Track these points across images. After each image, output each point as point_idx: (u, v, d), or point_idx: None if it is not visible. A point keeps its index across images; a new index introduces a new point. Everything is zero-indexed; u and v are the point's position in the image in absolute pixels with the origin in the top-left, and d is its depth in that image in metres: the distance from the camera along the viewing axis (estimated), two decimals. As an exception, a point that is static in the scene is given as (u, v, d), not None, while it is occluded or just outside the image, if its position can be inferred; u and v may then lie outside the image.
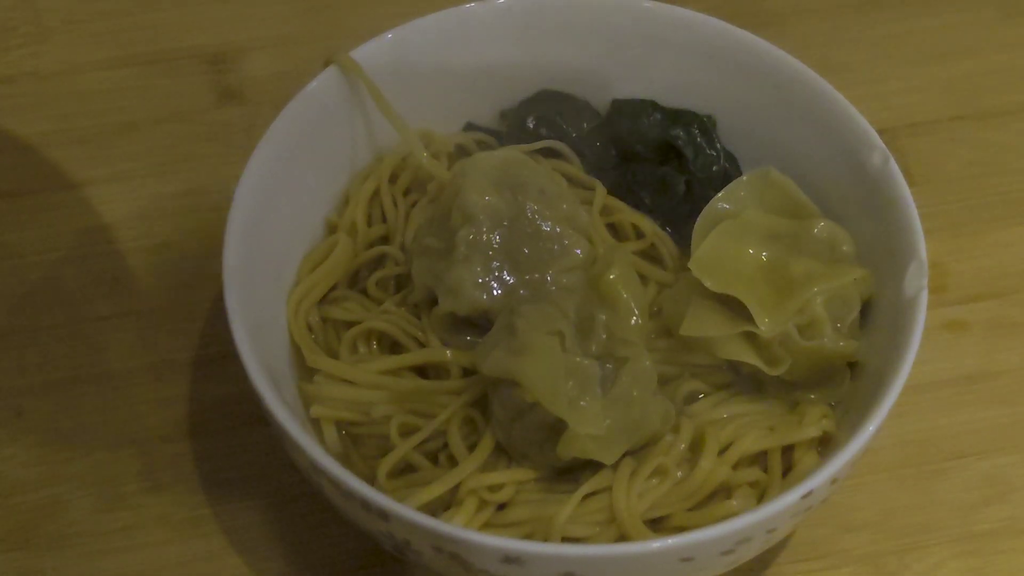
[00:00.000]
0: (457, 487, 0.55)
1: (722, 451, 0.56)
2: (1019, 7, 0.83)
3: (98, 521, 0.62)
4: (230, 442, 0.64)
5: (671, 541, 0.49)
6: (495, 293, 0.58)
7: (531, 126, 0.67)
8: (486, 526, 0.55)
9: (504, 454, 0.57)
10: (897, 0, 0.83)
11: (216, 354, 0.67)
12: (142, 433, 0.64)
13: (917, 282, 0.57)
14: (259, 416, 0.55)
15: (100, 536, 0.61)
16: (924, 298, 0.56)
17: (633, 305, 0.58)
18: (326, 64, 0.63)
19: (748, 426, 0.57)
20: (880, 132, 0.62)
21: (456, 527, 0.50)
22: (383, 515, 0.50)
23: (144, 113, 0.77)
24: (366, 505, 0.50)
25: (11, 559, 0.61)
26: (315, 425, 0.58)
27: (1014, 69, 0.80)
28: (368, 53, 0.64)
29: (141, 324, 0.68)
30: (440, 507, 0.55)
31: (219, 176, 0.72)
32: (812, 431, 0.57)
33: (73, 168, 0.74)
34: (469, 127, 0.68)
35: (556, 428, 0.54)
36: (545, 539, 0.54)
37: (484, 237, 0.58)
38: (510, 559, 0.49)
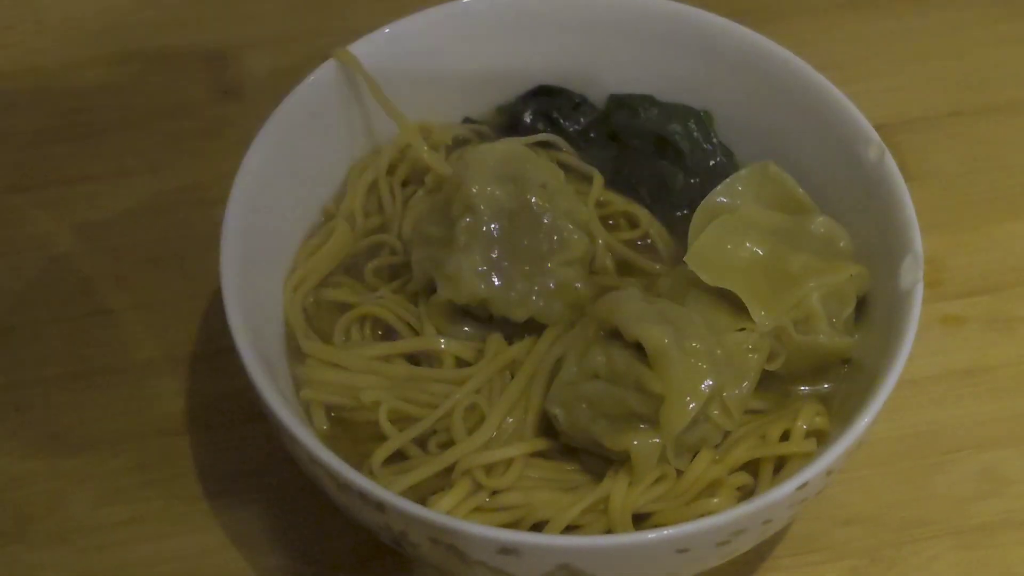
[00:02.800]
0: (453, 470, 0.55)
1: (715, 460, 0.56)
2: (1016, 3, 0.83)
3: (97, 516, 0.62)
4: (229, 437, 0.64)
5: (667, 532, 0.50)
6: (494, 283, 0.58)
7: (528, 121, 0.68)
8: (477, 510, 0.55)
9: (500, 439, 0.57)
10: (894, -3, 0.83)
11: (215, 349, 0.67)
12: (141, 428, 0.65)
13: (913, 276, 0.57)
14: (258, 411, 0.55)
15: (99, 531, 0.61)
16: (920, 292, 0.56)
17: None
18: (324, 58, 0.64)
19: (742, 436, 0.57)
20: (877, 127, 0.62)
21: (452, 518, 0.50)
22: (379, 506, 0.50)
23: (143, 110, 0.77)
24: (363, 496, 0.51)
25: (10, 553, 0.61)
26: (305, 408, 0.58)
27: (1010, 65, 0.80)
28: (365, 48, 0.64)
29: (140, 320, 0.68)
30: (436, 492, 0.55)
31: (218, 172, 0.72)
32: (804, 427, 0.57)
33: (73, 164, 0.74)
34: (467, 122, 0.69)
35: (629, 416, 0.54)
36: (532, 524, 0.54)
37: (484, 227, 0.59)
38: (506, 550, 0.49)
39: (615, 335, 0.55)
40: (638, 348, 0.54)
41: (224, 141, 0.74)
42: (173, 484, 0.63)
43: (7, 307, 0.69)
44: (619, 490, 0.54)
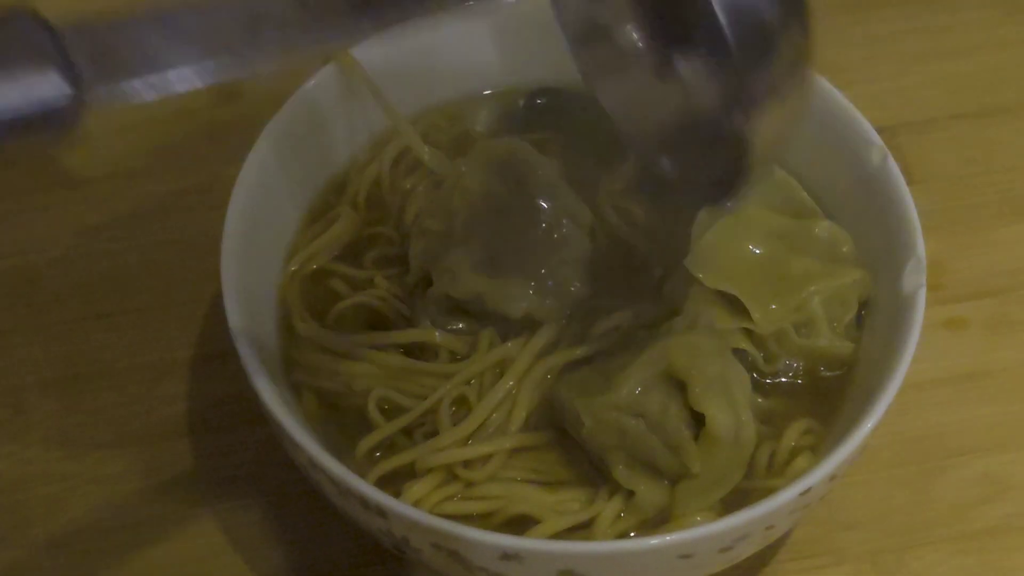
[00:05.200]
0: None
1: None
2: (1018, 5, 0.83)
3: (97, 519, 0.62)
4: (229, 440, 0.64)
5: (670, 538, 0.49)
6: (491, 278, 0.58)
7: (530, 122, 0.68)
8: (451, 499, 0.55)
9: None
10: (896, -1, 0.83)
11: (215, 352, 0.67)
12: (141, 431, 0.64)
13: (915, 279, 0.57)
14: (258, 414, 0.55)
15: (99, 534, 0.61)
16: (922, 295, 0.56)
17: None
18: (325, 62, 0.64)
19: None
20: (879, 130, 0.62)
21: (455, 524, 0.50)
22: (381, 512, 0.50)
23: (143, 112, 0.76)
24: (364, 502, 0.51)
25: (9, 558, 0.61)
26: (295, 391, 0.58)
27: (1013, 67, 0.80)
28: (364, 52, 0.64)
29: (140, 322, 0.68)
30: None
31: (217, 175, 0.72)
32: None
33: (72, 167, 0.74)
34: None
35: (650, 465, 0.55)
36: (509, 516, 0.54)
37: (484, 222, 0.58)
38: (508, 556, 0.49)
39: (681, 386, 0.55)
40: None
41: (223, 144, 0.74)
42: (173, 488, 0.63)
43: (8, 310, 0.68)
44: (606, 518, 0.54)
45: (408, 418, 0.57)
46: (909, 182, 0.60)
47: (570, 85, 0.68)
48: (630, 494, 0.54)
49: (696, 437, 0.54)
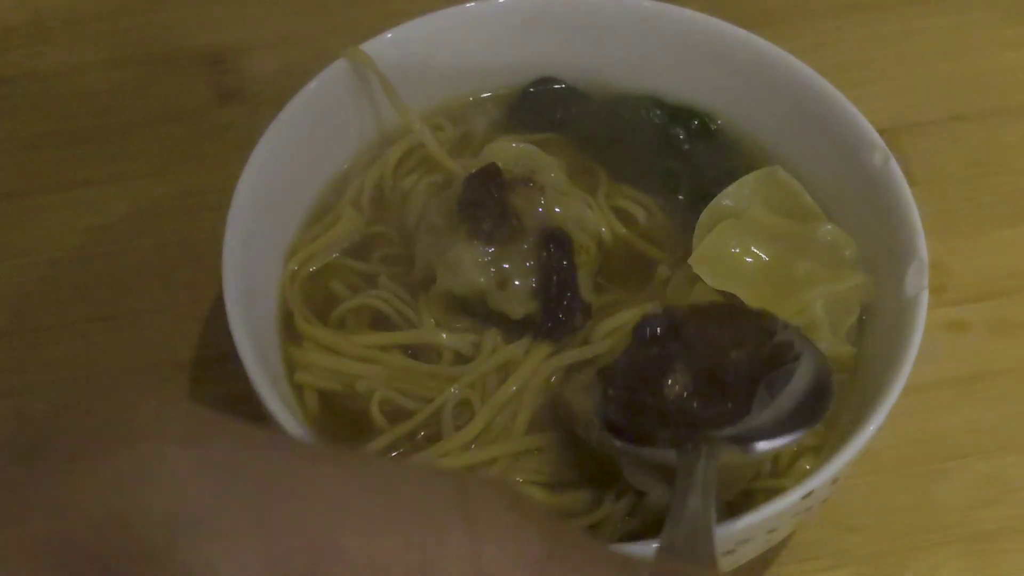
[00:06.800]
0: None
1: None
2: (1019, 7, 0.83)
3: (98, 521, 0.62)
4: (231, 442, 0.64)
5: (671, 542, 0.49)
6: (494, 276, 0.58)
7: (532, 120, 0.67)
8: None
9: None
10: (898, 0, 0.83)
11: (216, 354, 0.66)
12: (142, 433, 0.64)
13: (918, 282, 0.57)
14: (259, 416, 0.55)
15: (100, 536, 0.61)
16: (925, 298, 0.56)
17: None
18: (330, 60, 0.64)
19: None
20: (880, 132, 0.62)
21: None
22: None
23: (144, 113, 0.77)
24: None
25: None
26: (297, 391, 0.58)
27: (1015, 69, 0.80)
28: (368, 52, 0.64)
29: (141, 324, 0.68)
30: None
31: (219, 176, 0.72)
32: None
33: (73, 168, 0.74)
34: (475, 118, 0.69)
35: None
36: None
37: (489, 219, 0.58)
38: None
39: None
40: None
41: (225, 145, 0.74)
42: (174, 489, 0.63)
43: (8, 312, 0.68)
44: (614, 519, 0.54)
45: (413, 423, 0.57)
46: (911, 184, 0.60)
47: (575, 83, 0.69)
48: (640, 495, 0.54)
49: None
